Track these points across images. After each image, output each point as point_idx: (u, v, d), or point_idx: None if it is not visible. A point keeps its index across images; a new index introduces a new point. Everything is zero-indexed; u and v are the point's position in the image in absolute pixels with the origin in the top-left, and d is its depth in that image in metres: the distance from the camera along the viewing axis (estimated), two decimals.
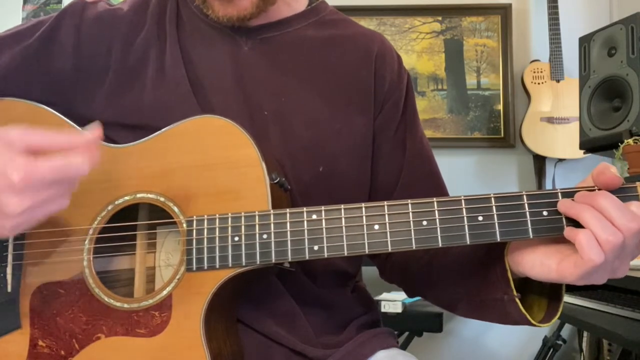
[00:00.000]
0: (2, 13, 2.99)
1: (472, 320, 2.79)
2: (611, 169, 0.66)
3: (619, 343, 1.91)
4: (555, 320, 0.73)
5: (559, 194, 0.67)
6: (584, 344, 2.38)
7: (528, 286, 0.77)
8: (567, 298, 1.63)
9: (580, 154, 2.03)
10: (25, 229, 0.69)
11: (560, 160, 2.64)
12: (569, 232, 0.65)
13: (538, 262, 0.68)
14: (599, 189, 0.67)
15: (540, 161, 2.69)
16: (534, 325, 0.73)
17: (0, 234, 0.68)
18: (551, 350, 2.43)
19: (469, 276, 0.80)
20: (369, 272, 1.03)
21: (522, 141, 2.67)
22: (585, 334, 2.38)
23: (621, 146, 1.60)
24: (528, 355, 2.61)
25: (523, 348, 2.65)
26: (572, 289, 1.66)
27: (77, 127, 0.83)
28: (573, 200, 0.67)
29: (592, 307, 1.54)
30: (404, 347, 2.17)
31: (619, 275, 0.67)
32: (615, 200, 0.63)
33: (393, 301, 2.11)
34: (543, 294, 0.76)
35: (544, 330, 2.57)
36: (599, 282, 0.66)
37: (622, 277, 0.67)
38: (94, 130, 0.69)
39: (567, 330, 2.51)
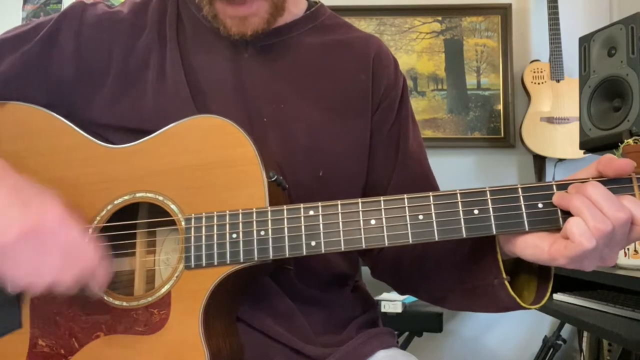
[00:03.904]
0: (2, 13, 3.00)
1: (472, 320, 2.81)
2: (615, 158, 0.66)
3: (619, 343, 1.91)
4: (544, 301, 0.73)
5: (554, 186, 0.68)
6: (584, 344, 2.38)
7: (518, 267, 0.77)
8: (567, 298, 1.63)
9: (580, 154, 2.03)
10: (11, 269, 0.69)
11: (560, 160, 2.64)
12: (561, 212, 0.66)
13: (531, 244, 0.68)
14: (593, 180, 0.66)
15: (540, 161, 2.69)
16: (524, 308, 0.73)
17: None
18: (551, 350, 2.43)
19: (462, 264, 0.80)
20: (369, 272, 1.03)
21: (522, 141, 2.68)
22: (585, 334, 2.38)
23: (621, 146, 1.60)
24: (528, 355, 2.61)
25: (523, 348, 2.65)
26: (573, 289, 1.66)
27: (79, 131, 0.83)
28: (566, 191, 0.67)
29: (592, 307, 1.54)
30: (404, 347, 2.17)
31: (608, 264, 0.67)
32: (604, 189, 0.64)
33: (393, 301, 2.11)
34: (533, 274, 0.76)
35: (544, 330, 2.58)
36: (588, 269, 0.66)
37: (611, 265, 0.67)
38: None
39: (567, 330, 2.51)
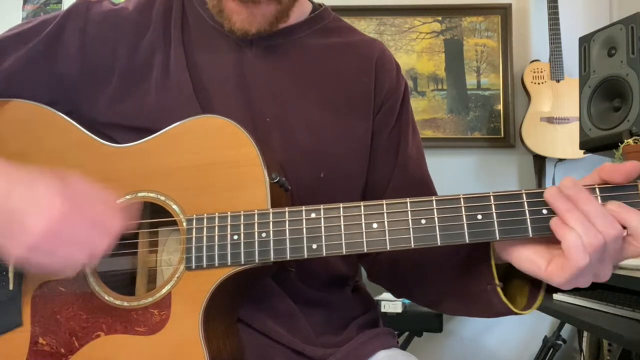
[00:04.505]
0: (2, 13, 3.00)
1: (472, 320, 2.80)
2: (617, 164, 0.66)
3: (619, 343, 1.91)
4: (536, 307, 0.73)
5: None
6: (584, 344, 2.38)
7: (512, 272, 0.77)
8: (567, 298, 1.64)
9: (580, 154, 2.03)
10: (40, 261, 0.68)
11: (560, 160, 2.64)
12: (556, 226, 0.65)
13: (526, 259, 0.68)
14: (599, 188, 0.66)
15: (540, 161, 2.69)
16: (516, 314, 0.73)
17: (13, 252, 0.67)
18: (551, 350, 2.43)
19: (458, 268, 0.80)
20: None
21: (522, 141, 2.67)
22: (585, 334, 2.38)
23: (621, 146, 1.61)
24: (528, 355, 2.61)
25: (523, 348, 2.65)
26: (573, 289, 1.66)
27: (82, 129, 0.83)
28: (561, 192, 0.66)
29: (592, 307, 1.54)
30: (404, 347, 2.17)
31: (602, 279, 0.67)
32: (597, 205, 0.64)
33: (393, 301, 2.12)
34: (525, 280, 0.76)
35: (544, 330, 2.58)
36: (583, 286, 0.67)
37: (605, 280, 0.67)
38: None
39: (567, 330, 2.51)
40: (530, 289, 0.75)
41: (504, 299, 0.72)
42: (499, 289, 0.72)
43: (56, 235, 0.67)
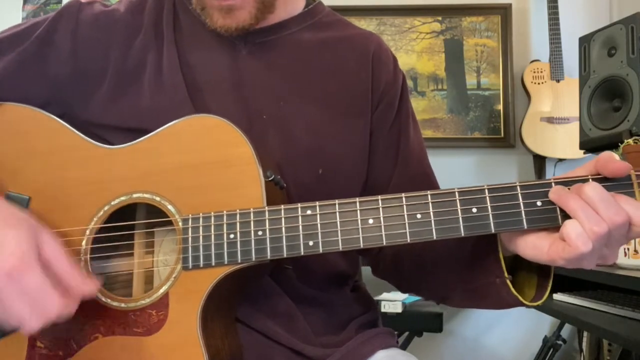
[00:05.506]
0: (2, 13, 3.00)
1: (472, 320, 2.80)
2: (615, 156, 0.66)
3: (619, 343, 1.91)
4: (545, 298, 0.73)
5: (553, 184, 0.67)
6: (584, 344, 2.38)
7: (519, 263, 0.77)
8: (567, 298, 1.63)
9: (580, 154, 2.03)
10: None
11: (560, 160, 2.64)
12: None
13: (530, 244, 0.68)
14: (592, 179, 0.66)
15: (540, 161, 2.69)
16: (527, 306, 0.73)
17: None
18: (551, 350, 2.43)
19: (463, 263, 0.80)
20: (369, 272, 1.03)
21: (522, 141, 2.68)
22: (585, 334, 2.38)
23: (621, 146, 1.60)
24: (528, 355, 2.61)
25: (523, 348, 2.65)
26: (573, 289, 1.66)
27: (76, 131, 0.83)
28: (567, 188, 0.66)
29: (592, 307, 1.54)
30: (404, 347, 2.17)
31: (609, 262, 0.67)
32: (602, 191, 0.63)
33: (393, 301, 2.11)
34: (532, 271, 0.76)
35: (544, 330, 2.57)
36: (588, 267, 0.66)
37: (612, 263, 0.67)
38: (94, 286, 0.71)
39: (567, 330, 2.51)
40: (538, 280, 0.75)
41: (513, 292, 0.72)
42: (508, 282, 0.72)
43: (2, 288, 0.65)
